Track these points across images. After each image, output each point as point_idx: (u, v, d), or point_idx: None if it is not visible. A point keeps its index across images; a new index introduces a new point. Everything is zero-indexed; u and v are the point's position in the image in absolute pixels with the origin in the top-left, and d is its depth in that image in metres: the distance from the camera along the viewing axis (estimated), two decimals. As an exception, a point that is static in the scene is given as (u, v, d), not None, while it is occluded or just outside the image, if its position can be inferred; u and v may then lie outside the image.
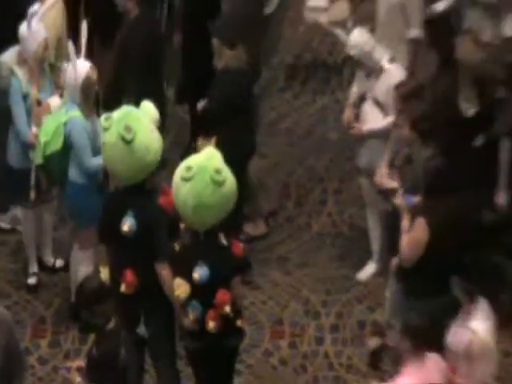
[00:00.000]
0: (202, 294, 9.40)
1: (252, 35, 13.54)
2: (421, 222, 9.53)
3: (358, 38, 12.59)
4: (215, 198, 9.80)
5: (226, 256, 9.76)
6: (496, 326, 9.85)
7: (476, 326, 9.36)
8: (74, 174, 11.79)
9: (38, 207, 12.61)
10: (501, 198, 11.25)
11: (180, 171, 9.81)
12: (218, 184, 9.55)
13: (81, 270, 11.42)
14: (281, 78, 15.90)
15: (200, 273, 9.29)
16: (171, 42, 15.43)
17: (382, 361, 10.31)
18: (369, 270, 12.48)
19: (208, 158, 10.00)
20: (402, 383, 9.19)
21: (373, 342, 10.30)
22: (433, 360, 9.18)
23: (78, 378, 9.14)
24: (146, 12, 13.80)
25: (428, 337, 9.10)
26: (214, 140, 11.75)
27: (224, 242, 9.93)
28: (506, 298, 11.88)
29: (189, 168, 9.69)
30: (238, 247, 9.83)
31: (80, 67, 11.63)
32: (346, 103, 12.94)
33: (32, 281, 12.53)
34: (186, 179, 9.64)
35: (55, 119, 11.88)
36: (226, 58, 12.30)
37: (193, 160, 10.07)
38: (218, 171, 9.57)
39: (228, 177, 9.95)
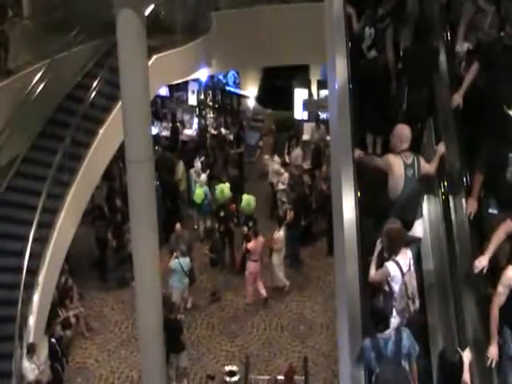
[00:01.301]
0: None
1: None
2: None
3: (275, 166, 21.72)
4: (252, 206, 20.00)
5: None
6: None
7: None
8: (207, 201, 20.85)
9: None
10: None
11: (244, 200, 20.03)
12: (252, 202, 19.98)
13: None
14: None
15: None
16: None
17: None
18: None
19: (249, 196, 20.24)
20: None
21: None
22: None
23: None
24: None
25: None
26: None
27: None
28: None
29: (247, 199, 20.00)
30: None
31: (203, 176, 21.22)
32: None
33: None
34: (246, 202, 20.09)
35: (200, 190, 20.66)
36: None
37: (246, 196, 20.23)
38: (252, 199, 19.95)
39: (253, 200, 20.14)
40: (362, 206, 8.53)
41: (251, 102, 26.48)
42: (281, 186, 21.41)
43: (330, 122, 12.73)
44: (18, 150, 16.75)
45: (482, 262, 7.13)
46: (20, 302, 14.52)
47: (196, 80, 24.42)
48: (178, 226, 19.03)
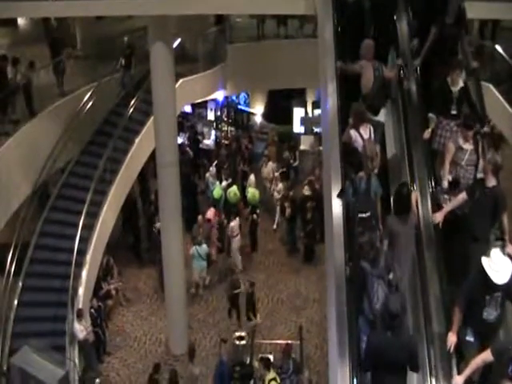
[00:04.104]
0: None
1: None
2: None
3: (276, 174, 21.57)
4: (257, 197, 19.89)
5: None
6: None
7: None
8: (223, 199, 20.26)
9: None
10: None
11: (249, 193, 19.90)
12: (257, 194, 19.86)
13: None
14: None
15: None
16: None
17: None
18: None
19: (254, 190, 20.07)
20: None
21: None
22: None
23: None
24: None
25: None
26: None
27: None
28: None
29: (252, 192, 19.88)
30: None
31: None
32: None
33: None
34: (252, 195, 20.22)
35: (218, 189, 20.24)
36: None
37: (251, 190, 20.17)
38: (256, 192, 19.78)
39: (257, 193, 20.12)
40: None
41: (258, 118, 26.59)
42: (276, 195, 21.19)
43: (322, 134, 12.90)
44: (72, 155, 17.04)
45: (457, 382, 6.95)
46: (72, 276, 14.69)
47: (214, 100, 24.50)
48: (199, 217, 19.07)
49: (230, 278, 17.60)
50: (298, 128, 25.21)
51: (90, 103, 17.23)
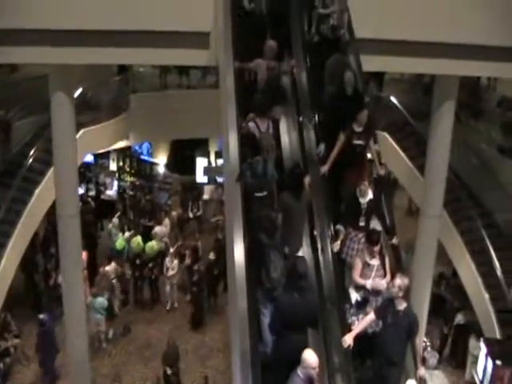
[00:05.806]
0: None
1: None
2: None
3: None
4: (155, 250, 18.68)
5: None
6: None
7: None
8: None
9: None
10: None
11: (147, 246, 17.99)
12: (155, 247, 18.67)
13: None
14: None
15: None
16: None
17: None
18: None
19: (152, 243, 18.16)
20: None
21: None
22: None
23: None
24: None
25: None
26: None
27: None
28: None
29: (150, 245, 17.89)
30: None
31: None
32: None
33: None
34: (150, 247, 18.05)
35: (121, 240, 20.21)
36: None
37: (149, 243, 18.10)
38: (155, 245, 18.09)
39: (155, 245, 18.44)
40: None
41: (161, 168, 26.57)
42: (170, 272, 19.74)
43: (224, 183, 12.91)
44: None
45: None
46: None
47: (116, 150, 24.25)
48: (101, 269, 18.72)
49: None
50: (201, 178, 25.35)
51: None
